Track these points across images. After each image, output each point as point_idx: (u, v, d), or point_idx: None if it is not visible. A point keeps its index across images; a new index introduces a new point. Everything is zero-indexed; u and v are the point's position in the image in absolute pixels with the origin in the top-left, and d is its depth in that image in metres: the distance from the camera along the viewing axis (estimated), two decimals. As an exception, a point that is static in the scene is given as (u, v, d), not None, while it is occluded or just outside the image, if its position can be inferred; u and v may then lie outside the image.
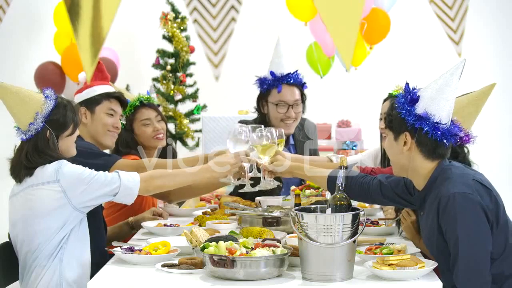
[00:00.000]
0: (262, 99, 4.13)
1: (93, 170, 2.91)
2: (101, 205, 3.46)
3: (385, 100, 3.90)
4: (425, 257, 3.12)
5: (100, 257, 3.21)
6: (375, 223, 3.47)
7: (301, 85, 4.12)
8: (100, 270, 2.71)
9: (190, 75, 6.46)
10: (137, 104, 4.03)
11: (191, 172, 3.06)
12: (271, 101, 4.07)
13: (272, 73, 4.09)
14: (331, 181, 2.92)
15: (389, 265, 2.55)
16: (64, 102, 2.98)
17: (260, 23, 7.00)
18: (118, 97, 3.60)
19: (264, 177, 3.23)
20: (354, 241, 2.55)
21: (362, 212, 2.59)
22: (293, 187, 3.63)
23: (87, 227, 3.00)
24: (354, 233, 2.54)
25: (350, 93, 6.99)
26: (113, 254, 2.90)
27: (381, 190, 2.89)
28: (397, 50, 6.75)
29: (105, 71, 3.65)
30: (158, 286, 2.55)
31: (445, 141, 2.59)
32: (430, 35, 6.67)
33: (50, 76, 6.24)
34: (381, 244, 2.96)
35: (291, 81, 4.06)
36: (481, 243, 2.52)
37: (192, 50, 6.43)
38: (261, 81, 4.12)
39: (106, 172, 2.93)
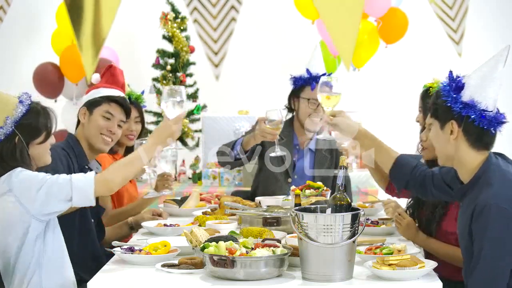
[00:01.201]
0: (294, 95, 4.26)
1: (48, 174, 2.75)
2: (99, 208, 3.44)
3: (422, 94, 3.88)
4: (426, 256, 3.12)
5: (93, 261, 3.22)
6: (375, 223, 3.47)
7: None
8: (100, 270, 2.71)
9: (190, 75, 6.46)
10: None
11: (144, 151, 2.87)
12: (304, 96, 4.20)
13: (308, 71, 4.20)
14: (400, 164, 2.91)
15: (389, 265, 2.55)
16: (37, 108, 2.84)
17: (261, 22, 7.00)
18: (121, 103, 3.49)
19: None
20: (354, 241, 2.55)
21: (362, 212, 2.59)
22: (293, 187, 3.63)
23: (62, 237, 2.87)
24: (354, 233, 2.54)
25: (350, 93, 6.99)
26: (113, 254, 2.90)
27: (433, 180, 2.85)
28: (399, 50, 6.73)
29: (117, 76, 3.55)
30: (158, 286, 2.55)
31: (492, 129, 2.55)
32: (432, 36, 6.67)
33: (48, 77, 6.24)
34: (381, 244, 2.96)
35: None
36: (504, 259, 2.47)
37: (192, 50, 6.43)
38: (296, 79, 4.23)
39: (59, 175, 2.76)
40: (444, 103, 2.58)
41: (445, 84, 2.60)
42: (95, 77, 3.61)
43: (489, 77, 2.54)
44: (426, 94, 3.79)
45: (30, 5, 6.65)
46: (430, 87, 3.74)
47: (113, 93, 3.50)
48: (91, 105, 3.46)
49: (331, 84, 3.09)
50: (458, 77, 2.59)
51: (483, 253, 2.47)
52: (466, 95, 2.55)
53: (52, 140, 2.90)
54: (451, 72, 2.62)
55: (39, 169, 2.86)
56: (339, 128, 3.02)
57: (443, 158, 2.68)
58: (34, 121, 2.81)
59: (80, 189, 2.71)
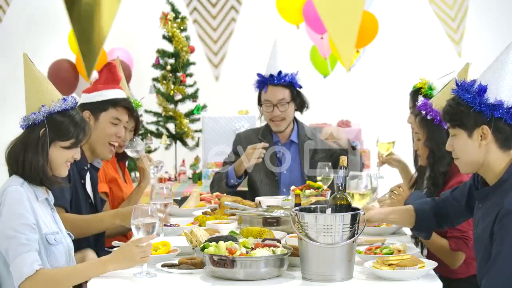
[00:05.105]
0: (259, 100, 4.31)
1: (27, 229, 2.56)
2: (96, 206, 3.43)
3: (412, 94, 3.85)
4: (428, 257, 3.12)
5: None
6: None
7: (290, 85, 4.18)
8: (100, 270, 2.71)
9: (190, 75, 6.46)
10: None
11: (94, 270, 2.62)
12: (261, 101, 4.26)
13: (259, 75, 4.24)
14: (420, 214, 2.83)
15: (389, 265, 2.55)
16: (77, 114, 2.74)
17: (261, 23, 7.00)
18: (126, 106, 3.47)
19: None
20: (354, 241, 2.55)
21: (362, 212, 2.59)
22: (293, 187, 3.63)
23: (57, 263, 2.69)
24: (354, 233, 2.54)
25: (350, 93, 6.99)
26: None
27: (449, 213, 2.81)
28: (398, 50, 6.74)
29: (116, 73, 3.50)
30: (158, 286, 2.55)
31: None
32: (430, 35, 6.67)
33: (63, 74, 6.22)
34: (381, 244, 2.96)
35: (275, 82, 4.15)
36: None
37: (192, 50, 6.42)
38: (256, 83, 4.28)
39: (27, 242, 2.55)
40: (470, 110, 2.48)
41: (462, 90, 2.50)
42: (93, 75, 3.58)
43: (508, 72, 2.47)
44: (416, 94, 3.79)
45: (47, 2, 6.63)
46: (421, 87, 3.74)
47: (117, 94, 3.47)
48: (96, 109, 3.42)
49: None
50: (471, 81, 2.51)
51: (500, 257, 2.42)
52: (491, 97, 2.46)
53: (76, 155, 2.75)
54: (463, 81, 2.54)
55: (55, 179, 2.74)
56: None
57: (471, 166, 2.58)
58: (67, 122, 2.69)
59: (15, 268, 2.54)
